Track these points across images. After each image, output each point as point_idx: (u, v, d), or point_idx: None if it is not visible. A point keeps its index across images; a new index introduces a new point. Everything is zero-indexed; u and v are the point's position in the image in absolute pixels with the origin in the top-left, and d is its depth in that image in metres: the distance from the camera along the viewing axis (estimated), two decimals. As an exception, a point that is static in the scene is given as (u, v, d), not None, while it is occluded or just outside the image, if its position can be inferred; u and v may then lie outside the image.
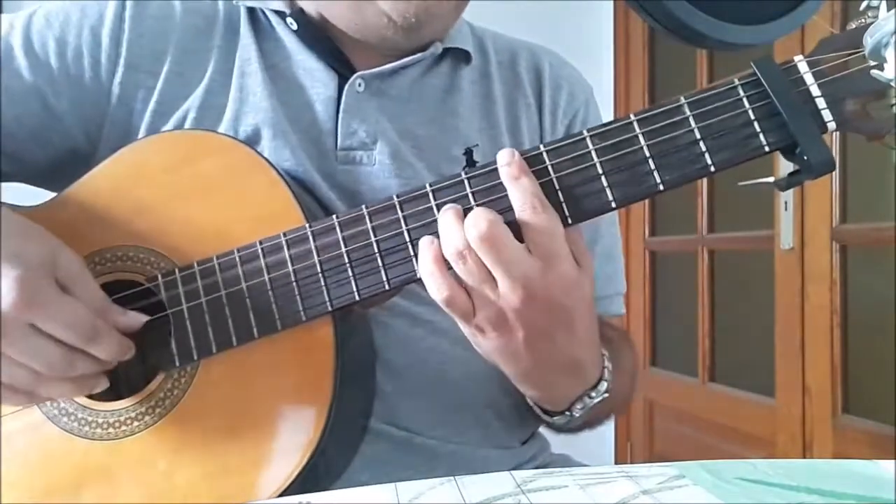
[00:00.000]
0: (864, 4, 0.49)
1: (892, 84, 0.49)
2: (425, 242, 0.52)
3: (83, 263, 0.55)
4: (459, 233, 0.50)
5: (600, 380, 0.60)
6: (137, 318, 0.56)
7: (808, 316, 1.55)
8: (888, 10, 0.47)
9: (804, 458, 1.54)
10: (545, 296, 0.51)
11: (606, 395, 0.61)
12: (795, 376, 1.58)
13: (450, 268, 0.51)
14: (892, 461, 0.44)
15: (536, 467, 0.73)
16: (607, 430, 2.27)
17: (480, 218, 0.50)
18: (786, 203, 1.59)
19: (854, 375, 1.48)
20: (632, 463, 2.10)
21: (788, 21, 0.51)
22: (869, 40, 0.48)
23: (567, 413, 0.61)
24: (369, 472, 0.62)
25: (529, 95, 0.76)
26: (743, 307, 1.87)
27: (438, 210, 0.53)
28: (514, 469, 0.68)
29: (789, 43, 1.49)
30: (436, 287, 0.51)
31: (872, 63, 0.49)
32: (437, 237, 0.52)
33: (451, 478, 0.42)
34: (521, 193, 0.51)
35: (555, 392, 0.60)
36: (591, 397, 0.60)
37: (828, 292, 1.50)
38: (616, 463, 2.25)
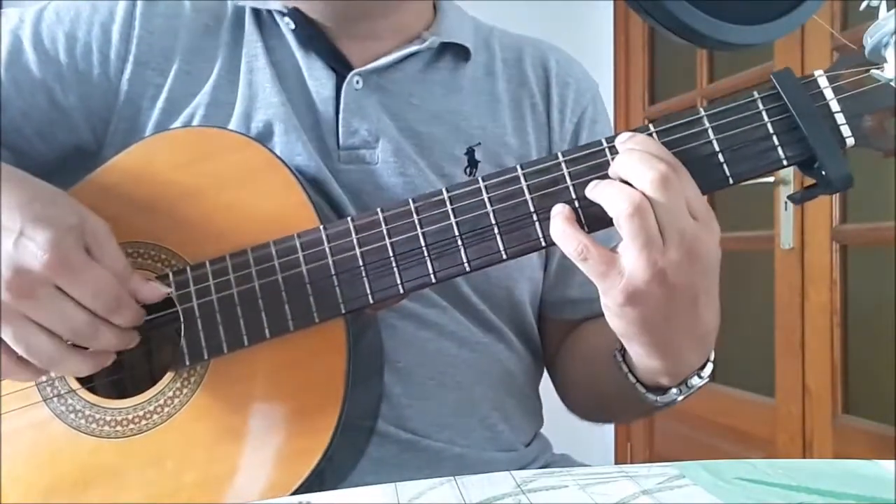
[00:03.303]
0: (863, 4, 0.49)
1: (893, 83, 0.49)
2: (558, 208, 0.52)
3: (109, 229, 0.55)
4: (631, 189, 0.49)
5: (707, 361, 0.58)
6: (158, 289, 0.55)
7: (808, 316, 1.55)
8: (888, 10, 0.47)
9: (804, 458, 1.54)
10: (705, 254, 0.49)
11: (709, 380, 0.58)
12: (795, 376, 1.58)
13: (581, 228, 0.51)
14: (892, 461, 0.44)
15: (538, 468, 0.73)
16: (607, 430, 2.27)
17: (655, 162, 0.49)
18: (786, 203, 1.59)
19: (854, 375, 1.48)
20: (632, 463, 2.10)
21: (788, 21, 0.51)
22: (869, 40, 0.48)
23: (675, 391, 0.58)
24: (375, 475, 0.62)
25: (536, 94, 0.76)
26: (743, 307, 1.87)
27: (454, 215, 0.53)
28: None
29: (789, 43, 1.50)
30: (569, 243, 0.50)
31: (889, 76, 0.49)
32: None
33: (452, 478, 0.42)
34: (666, 160, 0.50)
35: (680, 364, 0.56)
36: (700, 377, 0.57)
37: (828, 292, 1.50)
38: (616, 463, 2.25)
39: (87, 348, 0.53)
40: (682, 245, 0.48)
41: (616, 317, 0.52)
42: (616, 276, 0.49)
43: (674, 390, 0.58)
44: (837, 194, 1.47)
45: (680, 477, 0.42)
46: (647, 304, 0.49)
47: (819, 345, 1.52)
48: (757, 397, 1.73)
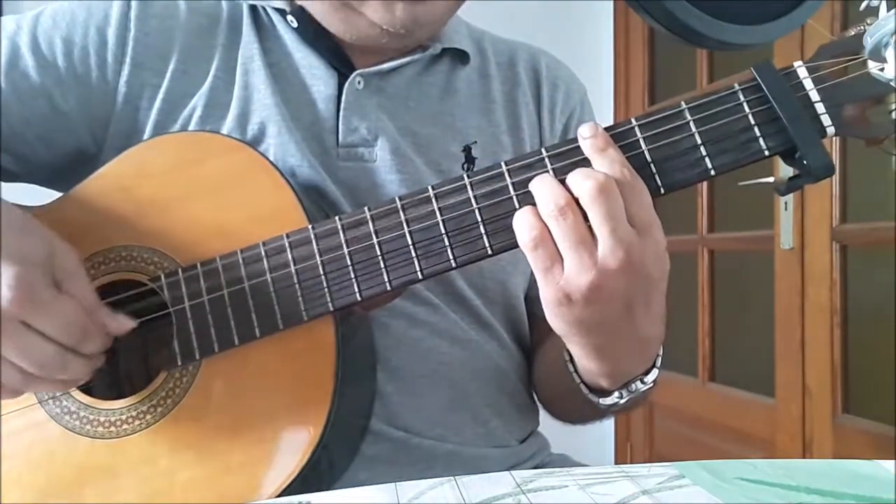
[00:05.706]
0: (863, 4, 0.49)
1: (893, 83, 0.49)
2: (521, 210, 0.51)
3: (78, 260, 0.55)
4: (561, 190, 0.49)
5: (652, 367, 0.59)
6: (126, 323, 0.56)
7: (808, 316, 1.55)
8: (888, 10, 0.47)
9: (804, 458, 1.54)
10: (640, 263, 0.49)
11: (653, 385, 0.59)
12: (795, 376, 1.58)
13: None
14: (892, 461, 0.44)
15: (535, 466, 0.73)
16: (607, 430, 2.28)
17: (594, 172, 0.49)
18: (786, 203, 1.58)
19: (854, 375, 1.48)
20: (632, 463, 2.09)
21: (788, 21, 0.51)
22: (869, 40, 0.48)
23: (617, 394, 0.59)
24: (368, 472, 0.62)
25: (528, 94, 0.77)
26: (743, 307, 1.87)
27: (440, 213, 0.54)
28: (513, 468, 0.68)
29: (789, 43, 1.50)
30: (526, 228, 0.50)
31: (873, 65, 0.49)
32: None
33: (451, 478, 0.42)
34: (611, 163, 0.50)
35: (618, 369, 0.58)
36: (643, 382, 0.58)
37: (828, 292, 1.50)
38: (616, 463, 2.25)
39: None
40: (618, 251, 0.48)
41: (553, 315, 0.52)
42: (558, 273, 0.50)
43: (616, 394, 0.59)
44: (837, 194, 1.47)
45: (680, 477, 0.42)
46: (581, 307, 0.50)
47: (819, 345, 1.52)
48: (757, 397, 1.73)
